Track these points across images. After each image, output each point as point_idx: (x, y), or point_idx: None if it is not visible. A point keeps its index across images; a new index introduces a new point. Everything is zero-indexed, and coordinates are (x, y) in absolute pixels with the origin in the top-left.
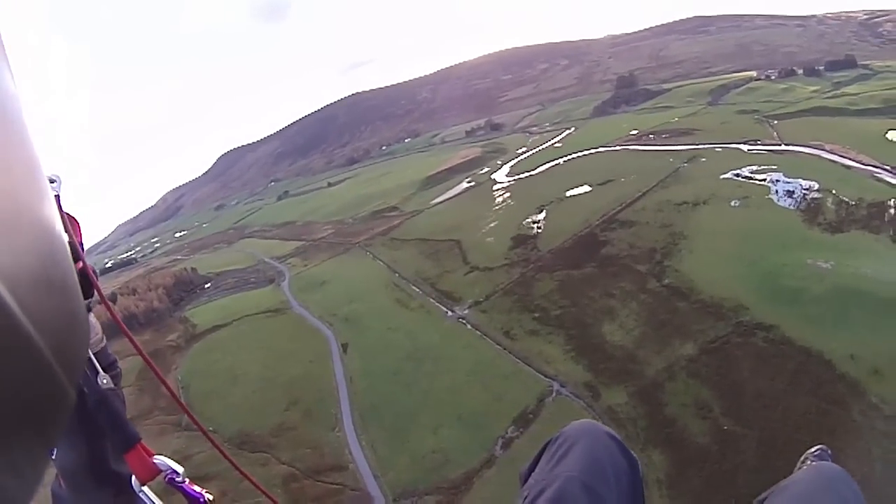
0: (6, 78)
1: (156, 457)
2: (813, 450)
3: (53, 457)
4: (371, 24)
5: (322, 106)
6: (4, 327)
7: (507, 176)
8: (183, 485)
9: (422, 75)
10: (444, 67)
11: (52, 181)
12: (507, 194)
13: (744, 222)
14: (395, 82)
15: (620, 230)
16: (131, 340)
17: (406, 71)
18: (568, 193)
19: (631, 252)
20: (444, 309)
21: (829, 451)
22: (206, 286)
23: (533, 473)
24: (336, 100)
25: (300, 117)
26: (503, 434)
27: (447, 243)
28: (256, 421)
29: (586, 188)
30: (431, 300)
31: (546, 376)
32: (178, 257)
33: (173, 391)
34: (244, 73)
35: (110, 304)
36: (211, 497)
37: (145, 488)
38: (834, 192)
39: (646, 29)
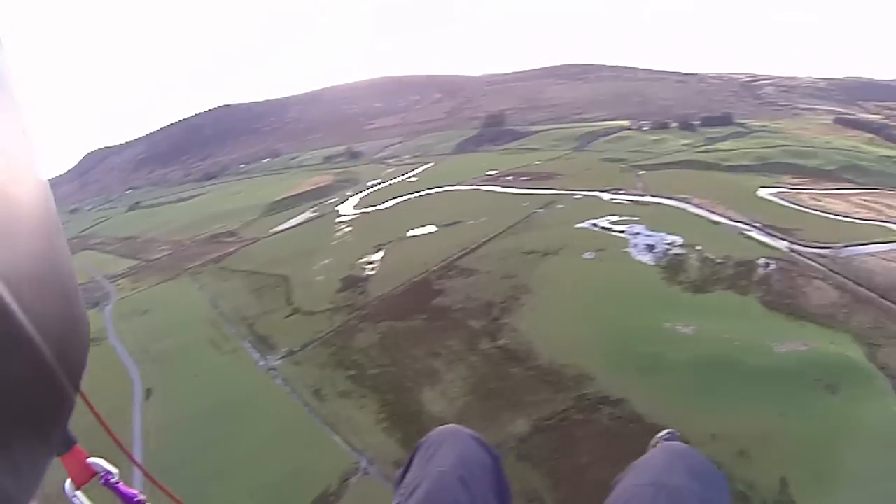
0: (11, 84)
1: (91, 459)
2: (662, 433)
3: None
4: (252, 39)
5: (192, 114)
6: (6, 329)
7: (353, 208)
8: (117, 486)
9: (294, 94)
10: (317, 89)
11: None
12: (349, 228)
13: (597, 277)
14: (266, 98)
15: (458, 278)
16: None
17: (280, 88)
18: (410, 233)
19: (466, 305)
20: (257, 356)
21: (679, 434)
22: None
23: (407, 474)
24: (207, 109)
25: (168, 124)
26: None
27: (275, 278)
28: None
29: (432, 228)
30: (247, 344)
31: (354, 449)
32: None
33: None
34: (124, 69)
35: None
36: (143, 498)
37: (79, 493)
38: (699, 248)
39: (524, 71)
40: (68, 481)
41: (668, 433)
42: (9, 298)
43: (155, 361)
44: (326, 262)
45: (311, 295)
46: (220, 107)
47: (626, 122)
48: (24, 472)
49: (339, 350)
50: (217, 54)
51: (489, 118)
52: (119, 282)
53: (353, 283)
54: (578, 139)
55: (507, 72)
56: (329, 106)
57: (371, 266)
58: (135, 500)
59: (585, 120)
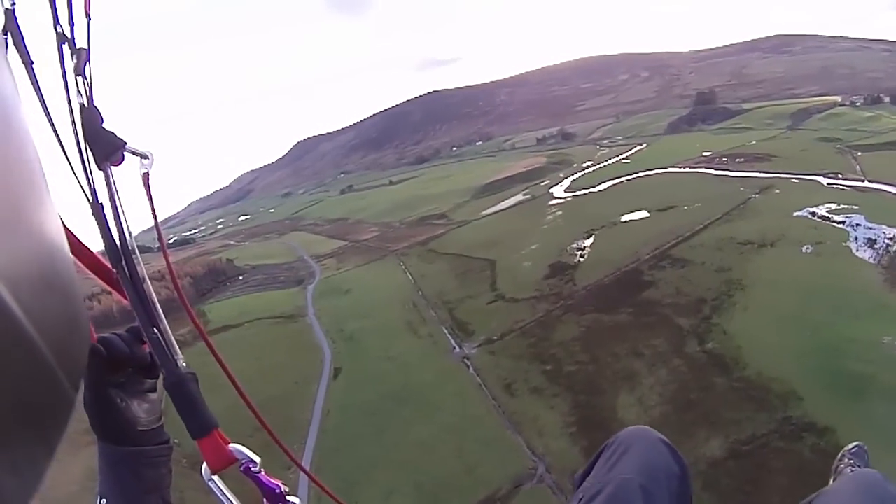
0: (6, 77)
1: (232, 445)
2: (850, 447)
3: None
4: (456, 24)
5: (400, 101)
6: (5, 329)
7: (565, 191)
8: (259, 475)
9: (502, 77)
10: (524, 71)
11: (144, 157)
12: (560, 212)
13: (813, 275)
14: (474, 83)
15: (670, 269)
16: (195, 323)
17: (487, 72)
18: (623, 218)
19: (676, 300)
20: (452, 342)
21: (866, 449)
22: (240, 277)
23: (588, 476)
24: (415, 96)
25: (378, 111)
26: None
27: (481, 262)
28: None
29: (644, 213)
30: (444, 329)
31: (534, 454)
32: (232, 243)
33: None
34: (328, 62)
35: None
36: (287, 489)
37: (215, 477)
38: None
39: (728, 45)
40: (205, 465)
41: (856, 447)
42: (8, 298)
43: (349, 341)
44: (535, 246)
45: (516, 281)
46: (427, 93)
47: (837, 98)
48: (24, 473)
49: (539, 342)
50: (417, 41)
51: (700, 96)
52: (325, 261)
53: (561, 269)
54: (791, 117)
55: (711, 46)
56: (537, 88)
57: (581, 252)
58: (276, 491)
59: (796, 96)
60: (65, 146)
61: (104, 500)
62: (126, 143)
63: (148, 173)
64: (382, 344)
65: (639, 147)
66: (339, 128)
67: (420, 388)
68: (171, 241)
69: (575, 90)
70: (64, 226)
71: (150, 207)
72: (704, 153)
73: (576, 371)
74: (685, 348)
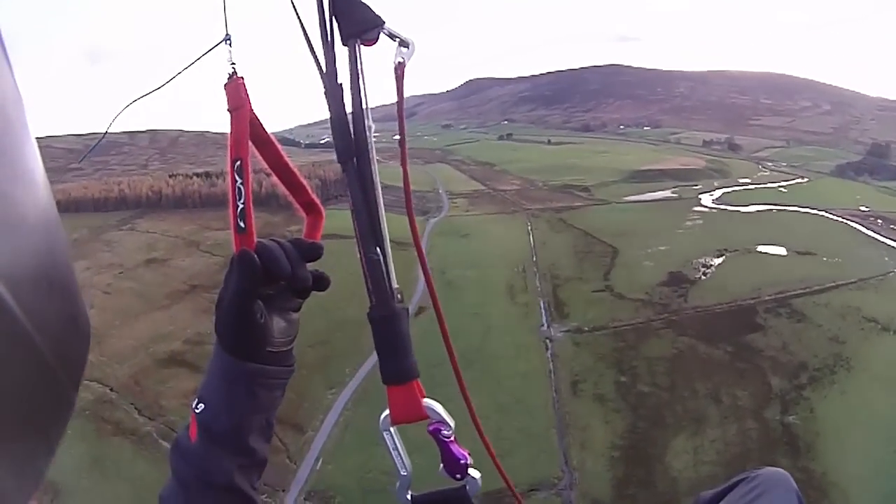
0: (4, 75)
1: (426, 400)
2: None
3: (198, 410)
4: (646, 3)
5: (580, 66)
6: (5, 329)
7: (713, 201)
8: (448, 441)
9: (683, 69)
10: (707, 70)
11: (404, 45)
12: (700, 221)
13: None
14: (656, 67)
15: (786, 320)
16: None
17: (667, 59)
18: (759, 248)
19: (778, 355)
20: (543, 319)
21: None
22: None
23: None
24: (594, 65)
25: (555, 70)
26: None
27: (604, 247)
28: None
29: (782, 250)
30: (541, 302)
31: (566, 463)
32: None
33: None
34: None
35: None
36: (471, 461)
37: (393, 429)
38: None
39: None
40: (386, 414)
41: None
42: (8, 298)
43: (446, 286)
44: (663, 248)
45: (631, 277)
46: (608, 65)
47: None
48: (23, 473)
49: (626, 348)
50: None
51: (874, 146)
52: (457, 200)
53: (679, 281)
54: None
55: None
56: (718, 89)
57: (705, 269)
58: (462, 461)
59: None
60: (301, 15)
61: (202, 406)
62: (385, 23)
63: (404, 64)
64: (477, 299)
65: (799, 180)
66: (514, 77)
67: (491, 357)
68: (321, 142)
69: (753, 103)
70: (258, 123)
71: (397, 104)
72: (861, 207)
73: (648, 393)
74: (765, 412)
